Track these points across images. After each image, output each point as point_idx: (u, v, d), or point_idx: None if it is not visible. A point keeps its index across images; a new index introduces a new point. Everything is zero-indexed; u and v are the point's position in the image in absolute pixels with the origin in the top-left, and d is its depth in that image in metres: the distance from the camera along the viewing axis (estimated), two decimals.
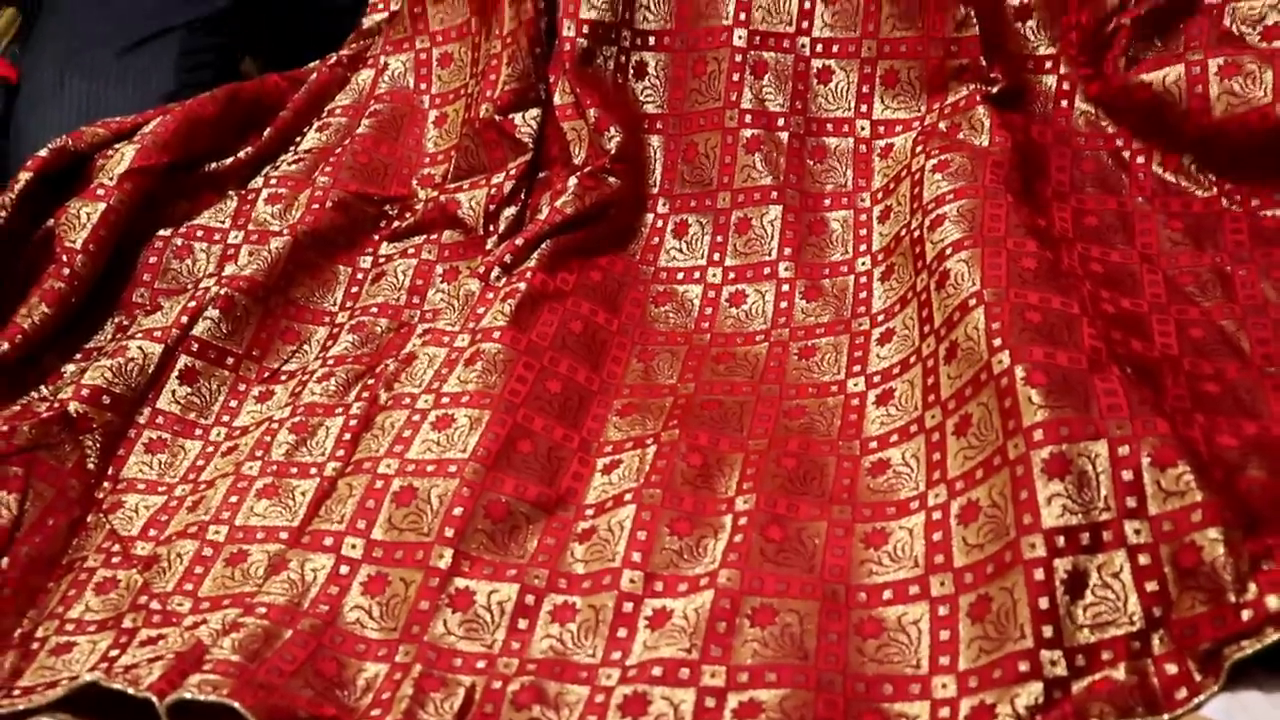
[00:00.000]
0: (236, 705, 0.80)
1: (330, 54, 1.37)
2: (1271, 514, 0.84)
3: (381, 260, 1.24)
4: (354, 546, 0.93)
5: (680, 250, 1.20)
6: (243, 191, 1.27)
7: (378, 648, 0.88)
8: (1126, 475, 0.82)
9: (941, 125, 1.17)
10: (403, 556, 0.92)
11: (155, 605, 0.94)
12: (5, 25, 1.39)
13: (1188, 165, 1.16)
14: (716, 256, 1.20)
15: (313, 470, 1.04)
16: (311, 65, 1.36)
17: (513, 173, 1.22)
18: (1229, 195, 1.13)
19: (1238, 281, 1.07)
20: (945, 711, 0.76)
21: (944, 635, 0.80)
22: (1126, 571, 0.80)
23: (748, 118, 1.21)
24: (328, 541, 0.94)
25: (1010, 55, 1.20)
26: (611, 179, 1.19)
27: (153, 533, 1.02)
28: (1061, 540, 0.81)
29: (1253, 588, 0.79)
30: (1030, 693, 0.76)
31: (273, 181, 1.28)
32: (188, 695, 0.81)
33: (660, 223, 1.23)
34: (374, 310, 1.20)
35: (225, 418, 1.12)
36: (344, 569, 0.92)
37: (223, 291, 1.16)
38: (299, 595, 0.91)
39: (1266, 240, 1.10)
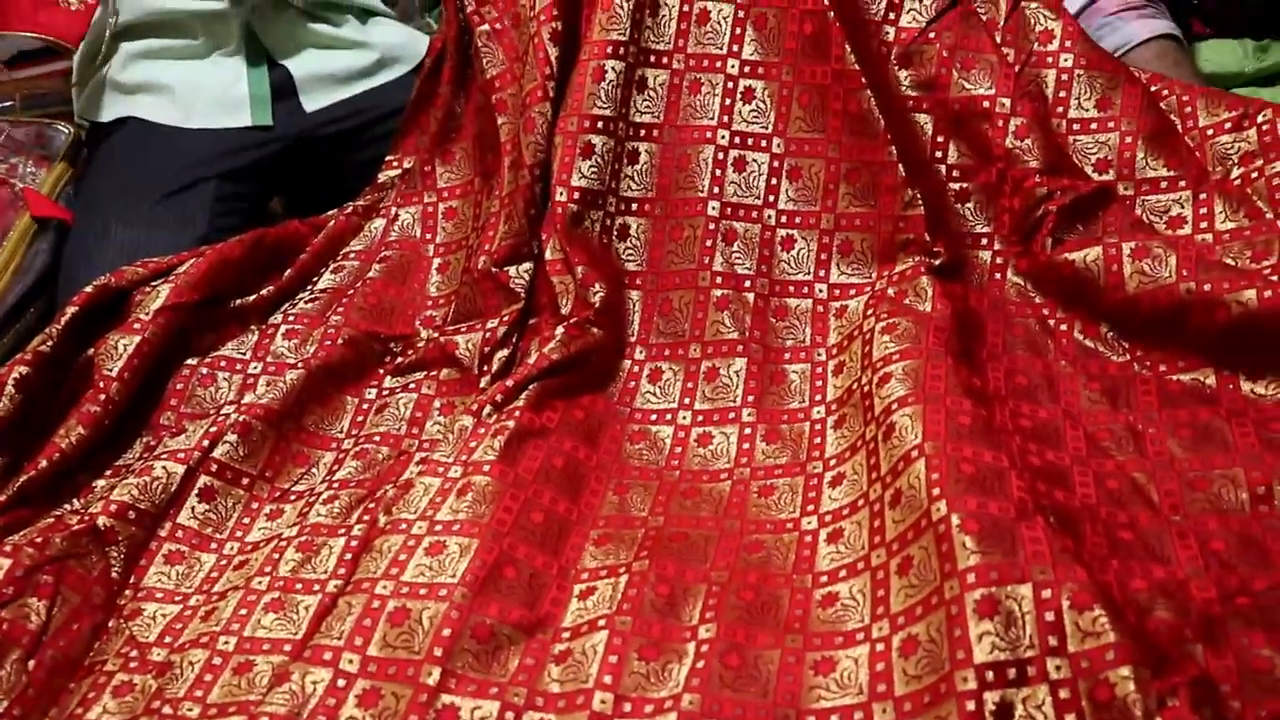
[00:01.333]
0: None
1: (348, 203, 1.41)
2: (1176, 653, 0.85)
3: (385, 393, 1.26)
4: (351, 661, 0.93)
5: (654, 394, 1.22)
6: (263, 326, 1.29)
7: None
8: (1049, 616, 0.85)
9: (890, 291, 1.21)
10: (395, 672, 0.92)
11: (167, 710, 0.94)
12: (58, 178, 1.42)
13: (1105, 333, 1.19)
14: (687, 401, 1.21)
15: (316, 587, 1.04)
16: (331, 213, 1.40)
17: (506, 319, 1.24)
18: (1140, 361, 1.17)
19: (1148, 439, 1.08)
20: None
21: None
22: (1048, 704, 0.82)
23: (719, 279, 1.25)
24: (327, 656, 0.93)
25: (951, 232, 1.25)
26: (595, 329, 1.22)
27: (168, 640, 1.01)
28: (991, 675, 0.84)
29: None
30: None
31: (290, 318, 1.30)
32: None
33: (637, 368, 1.25)
34: (376, 438, 1.22)
35: (239, 534, 1.13)
36: (341, 682, 0.92)
37: (241, 418, 1.18)
38: (299, 706, 0.91)
39: (1172, 402, 1.14)
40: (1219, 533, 0.98)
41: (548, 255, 1.24)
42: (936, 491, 0.95)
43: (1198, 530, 0.98)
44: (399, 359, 1.29)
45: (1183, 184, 1.16)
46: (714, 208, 1.26)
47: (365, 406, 1.26)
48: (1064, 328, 1.21)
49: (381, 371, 1.28)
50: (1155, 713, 0.81)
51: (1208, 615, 0.89)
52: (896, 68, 1.24)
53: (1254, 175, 1.15)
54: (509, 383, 1.17)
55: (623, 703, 0.88)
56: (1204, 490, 1.04)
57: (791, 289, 1.26)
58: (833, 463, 1.10)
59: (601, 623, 0.95)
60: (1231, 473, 1.04)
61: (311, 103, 1.44)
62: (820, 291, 1.25)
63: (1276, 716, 0.85)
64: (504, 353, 1.25)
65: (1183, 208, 1.16)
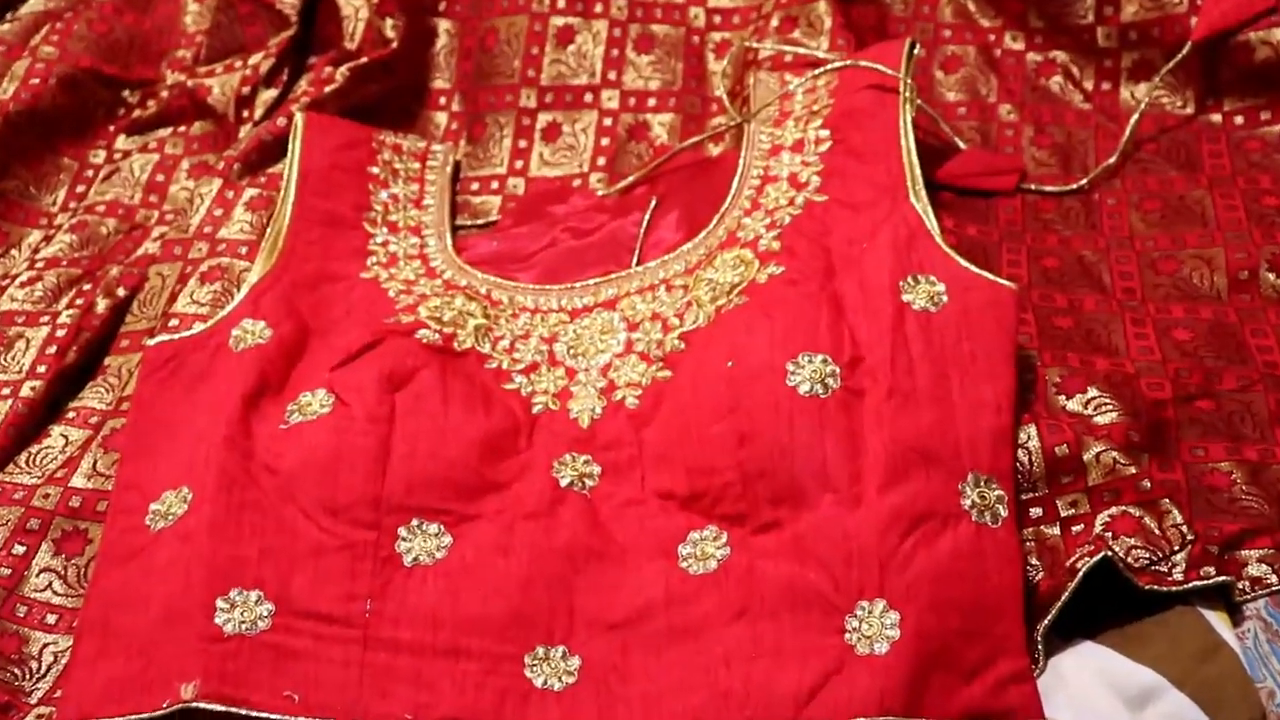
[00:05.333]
0: None
1: None
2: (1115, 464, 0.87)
3: (117, 155, 1.18)
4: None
5: (474, 157, 1.18)
6: None
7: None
8: None
9: (775, 20, 1.16)
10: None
11: None
12: None
13: (1067, 64, 1.18)
14: (518, 165, 1.18)
15: (5, 390, 0.99)
16: None
17: (273, 50, 1.18)
18: (1109, 103, 1.16)
19: (1104, 210, 1.08)
20: None
21: None
22: None
23: (560, 2, 1.19)
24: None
25: None
26: (389, 70, 1.16)
27: None
28: None
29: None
30: None
31: None
32: None
33: (454, 124, 1.19)
34: (101, 209, 1.14)
35: None
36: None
37: None
38: None
39: (1142, 166, 1.12)
40: (1184, 321, 0.98)
41: None
42: None
43: (1157, 318, 0.99)
44: (136, 111, 1.21)
45: None
46: None
47: (89, 174, 1.17)
48: (1013, 60, 1.17)
49: (112, 128, 1.20)
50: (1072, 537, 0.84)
51: (1158, 419, 0.90)
52: None
53: None
54: (266, 136, 1.12)
55: None
56: (1170, 273, 1.03)
57: (659, 12, 1.20)
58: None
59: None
60: (1208, 253, 1.03)
61: None
62: (696, 18, 1.20)
63: (1230, 540, 0.84)
64: (270, 94, 1.18)
65: None
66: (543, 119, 1.19)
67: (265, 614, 0.82)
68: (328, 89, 1.14)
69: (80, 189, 1.16)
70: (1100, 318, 0.99)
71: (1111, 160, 1.11)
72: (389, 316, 0.98)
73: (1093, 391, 0.90)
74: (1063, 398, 0.91)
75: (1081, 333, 0.97)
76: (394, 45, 1.16)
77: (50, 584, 0.89)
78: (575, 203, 1.13)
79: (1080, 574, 0.80)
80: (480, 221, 1.15)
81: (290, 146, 1.09)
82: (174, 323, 1.00)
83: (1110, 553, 0.81)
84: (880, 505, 0.81)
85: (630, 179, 1.14)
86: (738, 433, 0.85)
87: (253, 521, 0.85)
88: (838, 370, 0.86)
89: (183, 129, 1.19)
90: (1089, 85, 1.17)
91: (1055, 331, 0.97)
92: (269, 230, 1.05)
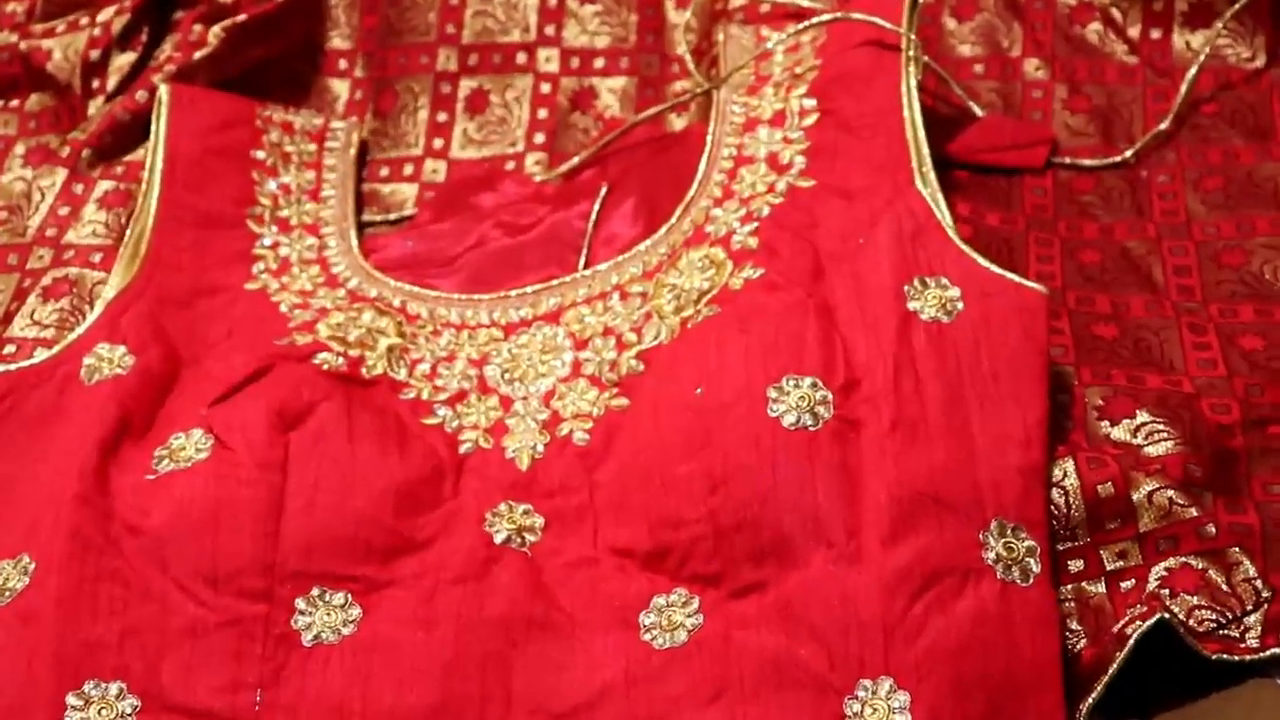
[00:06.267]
0: None
1: None
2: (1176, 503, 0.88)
3: None
4: None
5: (387, 139, 1.20)
6: None
7: None
8: None
9: None
10: None
11: None
12: None
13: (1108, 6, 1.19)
14: (437, 145, 1.19)
15: None
16: None
17: (127, 4, 1.18)
18: (1159, 54, 1.16)
19: (1154, 190, 1.09)
20: None
21: None
22: None
23: None
24: None
25: None
26: (275, 28, 1.17)
27: None
28: None
29: None
30: None
31: None
32: None
33: (359, 93, 1.21)
34: None
35: None
36: None
37: None
38: None
39: (1202, 134, 1.13)
40: (1255, 327, 0.99)
41: None
42: None
43: (1221, 324, 0.99)
44: None
45: None
46: None
47: None
48: (1041, 4, 1.19)
49: None
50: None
51: (1223, 448, 0.91)
52: None
53: None
54: (122, 113, 1.13)
55: None
56: (1236, 267, 1.03)
57: None
58: None
59: None
60: None
61: None
62: None
63: None
64: (126, 59, 1.18)
65: None
66: (466, 86, 1.20)
67: (129, 711, 0.82)
68: (198, 54, 1.14)
69: None
70: (1151, 324, 0.99)
71: (1163, 126, 1.12)
72: (281, 337, 0.99)
73: (1143, 416, 0.91)
74: (1106, 424, 0.91)
75: (1128, 343, 0.98)
76: None
77: None
78: (508, 191, 1.14)
79: (1132, 641, 0.80)
80: (392, 216, 1.15)
81: (154, 127, 1.09)
82: (9, 349, 1.01)
83: (1168, 615, 0.81)
84: (885, 562, 0.82)
85: (575, 160, 1.15)
86: (709, 475, 0.86)
87: (112, 596, 0.85)
88: (830, 396, 0.87)
89: (15, 103, 1.20)
90: (1134, 33, 1.17)
91: (1096, 342, 0.97)
92: (129, 233, 1.05)
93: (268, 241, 1.07)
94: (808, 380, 0.87)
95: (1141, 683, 0.81)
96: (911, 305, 0.91)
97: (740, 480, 0.85)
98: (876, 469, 0.85)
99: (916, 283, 0.92)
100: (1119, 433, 0.91)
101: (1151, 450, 0.89)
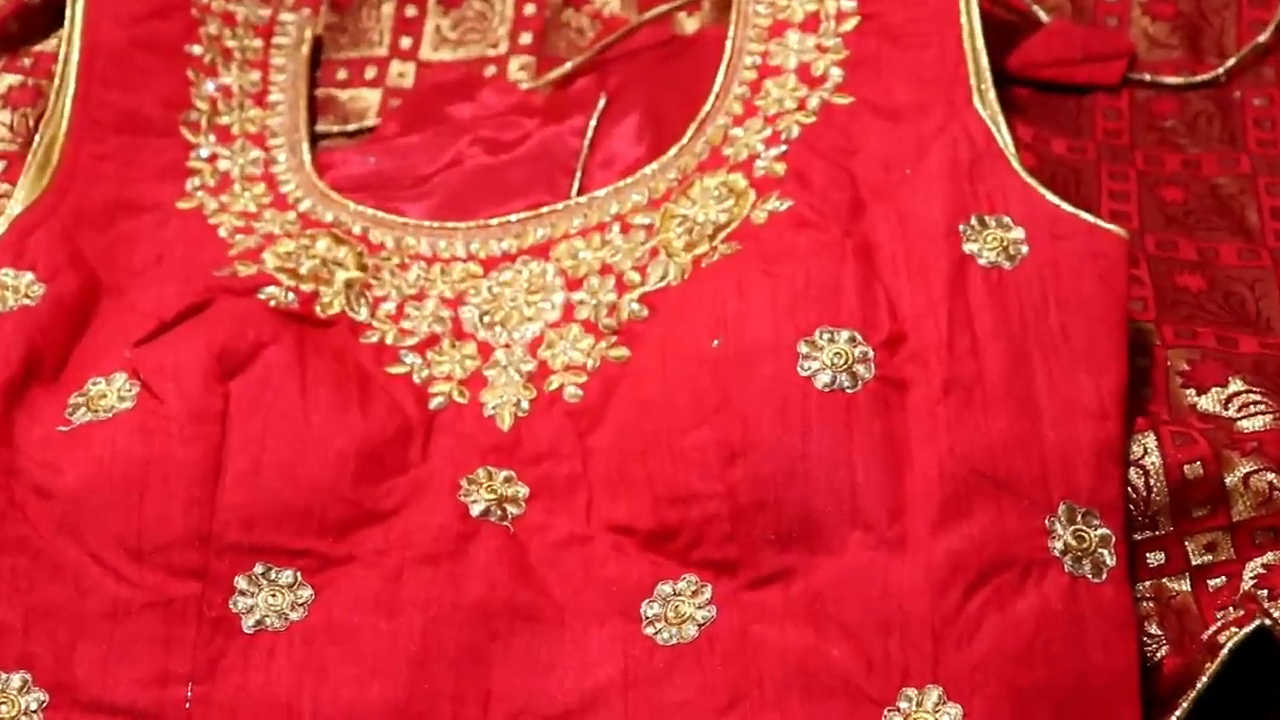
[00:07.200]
0: None
1: None
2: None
3: None
4: None
5: (342, 31, 1.20)
6: None
7: None
8: None
9: None
10: None
11: None
12: None
13: None
14: (406, 45, 1.18)
15: None
16: None
17: None
18: None
19: (1248, 114, 1.10)
20: None
21: None
22: None
23: None
24: None
25: None
26: None
27: None
28: None
29: None
30: None
31: None
32: None
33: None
34: None
35: None
36: None
37: None
38: None
39: None
40: None
41: None
42: None
43: None
44: None
45: None
46: None
47: None
48: None
49: None
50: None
51: None
52: None
53: None
54: None
55: None
56: None
57: None
58: None
59: None
60: None
61: None
62: None
63: None
64: None
65: None
66: None
67: (34, 707, 0.82)
68: None
69: None
70: (1244, 275, 0.99)
71: (1261, 39, 1.13)
72: (220, 267, 0.99)
73: (1236, 384, 0.91)
74: (1192, 393, 0.91)
75: (1217, 297, 0.98)
76: None
77: None
78: (488, 101, 1.14)
79: (1225, 651, 0.79)
80: (351, 128, 1.15)
81: (69, 12, 1.09)
82: None
83: (1268, 620, 0.80)
84: (934, 550, 0.81)
85: (567, 66, 1.14)
86: (727, 443, 0.85)
87: (15, 570, 0.85)
88: (871, 353, 0.87)
89: None
90: None
91: (1180, 295, 0.98)
92: (38, 138, 1.05)
93: (204, 153, 1.07)
94: (845, 333, 0.87)
95: (1234, 699, 0.81)
96: (968, 248, 0.90)
97: (763, 450, 0.84)
98: (925, 440, 0.84)
99: (974, 221, 0.91)
100: (1207, 403, 0.90)
101: (1246, 425, 0.89)
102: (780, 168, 0.97)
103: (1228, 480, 0.86)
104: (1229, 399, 0.90)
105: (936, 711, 0.78)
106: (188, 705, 0.82)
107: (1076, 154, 1.07)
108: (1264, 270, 1.00)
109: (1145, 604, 0.85)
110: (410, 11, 1.19)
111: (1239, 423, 0.89)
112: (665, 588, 0.85)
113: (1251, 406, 0.89)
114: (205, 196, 1.03)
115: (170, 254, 0.99)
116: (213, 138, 1.07)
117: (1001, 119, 0.96)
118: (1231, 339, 0.95)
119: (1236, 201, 1.04)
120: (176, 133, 1.06)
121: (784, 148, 0.98)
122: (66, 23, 1.08)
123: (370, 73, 1.17)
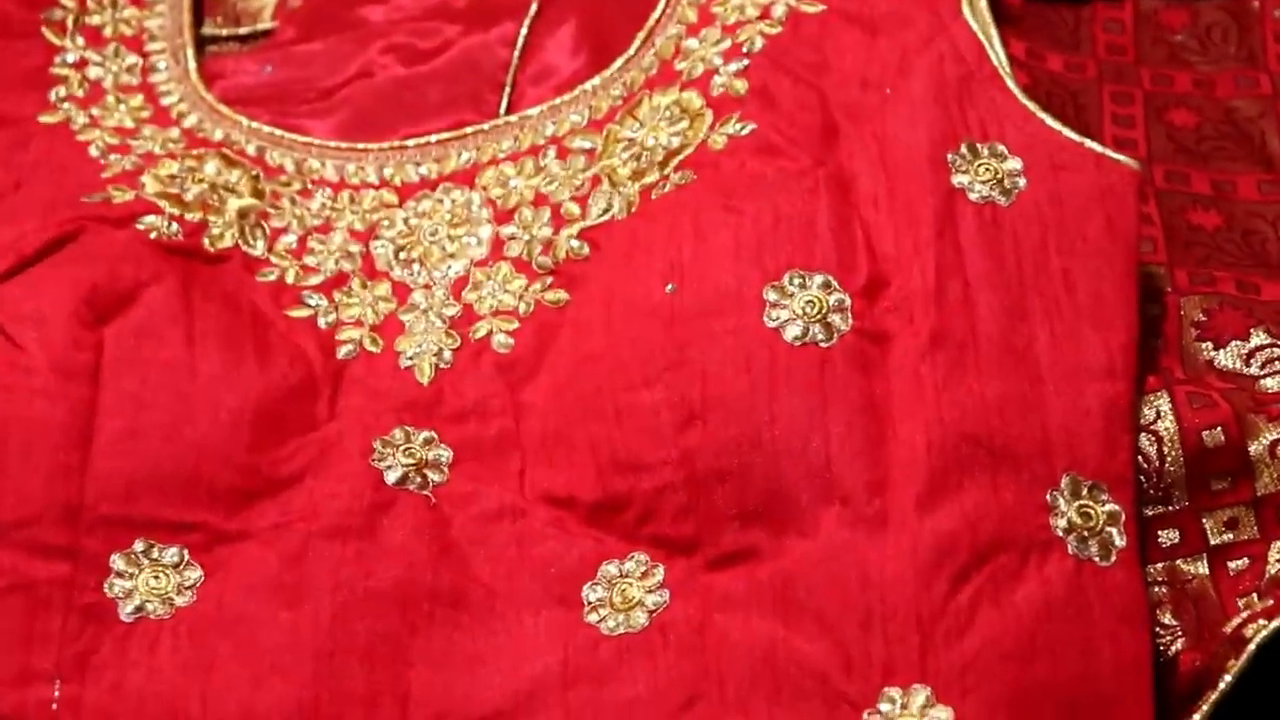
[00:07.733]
0: None
1: None
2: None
3: None
4: None
5: None
6: None
7: None
8: None
9: None
10: None
11: None
12: None
13: None
14: None
15: None
16: None
17: None
18: None
19: (1269, 24, 1.10)
20: None
21: None
22: None
23: None
24: None
25: None
26: None
27: None
28: None
29: None
30: None
31: None
32: None
33: None
34: None
35: None
36: None
37: None
38: None
39: None
40: None
41: None
42: None
43: None
44: None
45: None
46: None
47: None
48: None
49: None
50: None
51: None
52: None
53: None
54: None
55: None
56: None
57: None
58: None
59: None
60: None
61: None
62: None
63: None
64: None
65: None
66: None
67: None
68: None
69: None
70: (1266, 211, 0.99)
71: None
72: (91, 192, 0.98)
73: (1260, 337, 0.91)
74: (1209, 347, 0.91)
75: (1236, 236, 0.98)
76: None
77: None
78: (403, 3, 1.13)
79: (1252, 646, 0.79)
80: (243, 31, 1.14)
81: None
82: None
83: None
84: (920, 530, 0.81)
85: None
86: (683, 403, 0.85)
87: None
88: (848, 301, 0.87)
89: None
90: None
91: (1194, 235, 0.98)
92: None
93: (71, 58, 1.06)
94: (818, 278, 0.86)
95: (1265, 696, 0.81)
96: (957, 180, 0.90)
97: (725, 412, 0.84)
98: (910, 403, 0.84)
99: (964, 149, 0.91)
100: (1226, 359, 0.90)
101: (1270, 383, 0.89)
102: (741, 85, 0.95)
103: (1252, 449, 0.85)
104: (1251, 354, 0.90)
105: (923, 715, 0.78)
106: (54, 707, 0.81)
107: (1074, 72, 1.06)
108: None
109: (1157, 589, 0.84)
110: None
111: (1263, 381, 0.89)
112: (610, 568, 0.84)
113: (1277, 363, 0.89)
114: (72, 109, 1.02)
115: (31, 178, 0.99)
116: (81, 40, 1.06)
117: (994, 31, 0.95)
118: (1253, 284, 0.94)
119: (1255, 126, 1.04)
120: (37, 34, 1.06)
121: (745, 62, 0.96)
122: None
123: None
